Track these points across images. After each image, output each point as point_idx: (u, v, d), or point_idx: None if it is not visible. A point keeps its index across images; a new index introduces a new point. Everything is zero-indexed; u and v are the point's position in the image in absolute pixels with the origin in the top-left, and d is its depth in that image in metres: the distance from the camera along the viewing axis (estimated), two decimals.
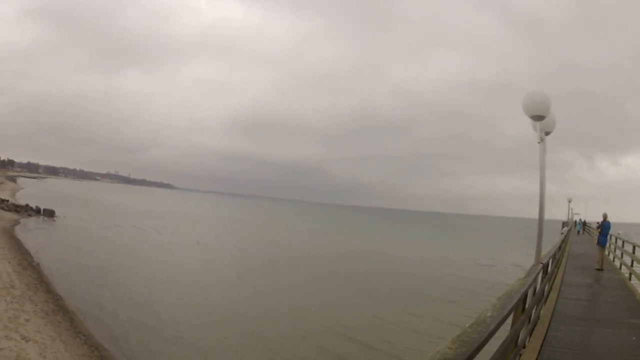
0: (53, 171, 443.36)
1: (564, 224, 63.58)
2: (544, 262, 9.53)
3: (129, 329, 17.95)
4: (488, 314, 4.39)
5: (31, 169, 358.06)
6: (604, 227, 22.47)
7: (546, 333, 9.10)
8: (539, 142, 9.15)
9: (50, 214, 57.09)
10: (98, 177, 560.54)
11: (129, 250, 36.97)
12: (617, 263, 23.54)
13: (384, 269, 39.03)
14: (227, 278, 30.06)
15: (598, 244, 22.62)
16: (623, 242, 24.24)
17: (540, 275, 9.07)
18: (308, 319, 21.46)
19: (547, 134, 9.48)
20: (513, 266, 43.09)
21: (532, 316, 8.62)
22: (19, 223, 45.95)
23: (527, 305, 7.26)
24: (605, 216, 22.67)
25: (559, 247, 18.20)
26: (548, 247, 13.71)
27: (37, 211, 57.12)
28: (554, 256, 13.99)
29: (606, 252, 23.35)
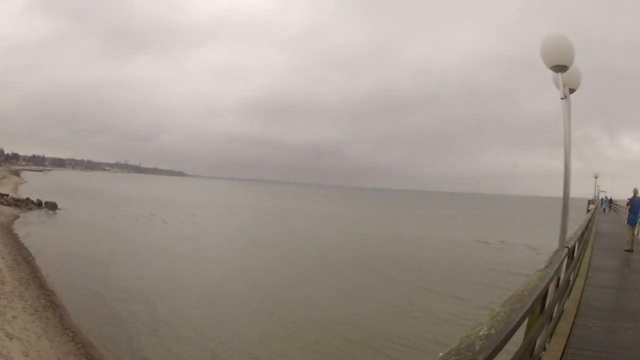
0: (59, 163, 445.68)
1: (590, 202, 62.59)
2: (569, 246, 8.50)
3: (119, 324, 17.62)
4: (482, 332, 2.98)
5: (37, 162, 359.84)
6: (635, 204, 20.73)
7: (570, 331, 7.98)
8: (562, 99, 7.99)
9: (52, 206, 57.05)
10: (107, 167, 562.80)
11: (130, 241, 36.70)
12: None
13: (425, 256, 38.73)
14: (232, 270, 29.56)
15: (628, 222, 21.13)
16: None
17: (565, 262, 8.15)
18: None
19: (572, 91, 8.36)
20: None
21: (555, 313, 7.67)
22: (19, 217, 45.89)
23: (547, 305, 6.10)
24: (635, 192, 20.84)
25: (586, 227, 17.25)
26: (573, 227, 12.97)
27: (39, 204, 57.19)
28: (580, 238, 12.91)
29: (636, 232, 21.59)
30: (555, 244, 8.26)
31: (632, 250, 19.13)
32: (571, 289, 10.46)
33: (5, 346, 13.59)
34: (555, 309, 7.62)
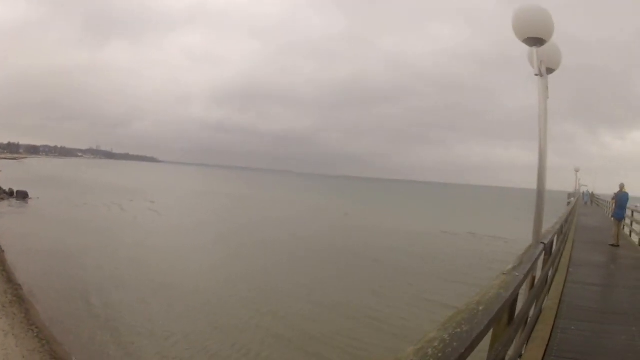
0: (34, 150, 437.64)
1: (570, 195, 63.08)
2: (545, 242, 7.60)
3: (84, 319, 17.58)
4: None
5: (12, 149, 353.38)
6: (620, 198, 20.20)
7: (550, 335, 7.06)
8: (536, 75, 7.00)
9: (23, 196, 56.07)
10: (80, 154, 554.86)
11: (100, 232, 36.21)
12: (635, 239, 21.63)
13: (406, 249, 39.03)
14: (198, 261, 29.53)
15: (613, 216, 20.63)
16: None
17: (541, 258, 7.58)
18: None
19: (551, 71, 7.43)
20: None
21: (531, 315, 6.94)
22: None
23: (517, 312, 5.15)
24: (622, 186, 20.42)
25: (566, 220, 16.55)
26: (552, 220, 12.71)
27: (10, 194, 56.19)
28: (560, 231, 12.14)
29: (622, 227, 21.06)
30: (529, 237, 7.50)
31: (618, 245, 18.63)
32: (550, 287, 9.66)
33: None
34: (532, 311, 6.99)
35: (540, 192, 7.26)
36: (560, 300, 9.11)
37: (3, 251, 27.16)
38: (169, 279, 23.68)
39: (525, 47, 7.10)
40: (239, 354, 15.18)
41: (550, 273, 9.57)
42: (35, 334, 15.66)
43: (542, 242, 7.22)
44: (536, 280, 7.50)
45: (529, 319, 6.65)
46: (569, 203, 41.96)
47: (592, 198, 64.02)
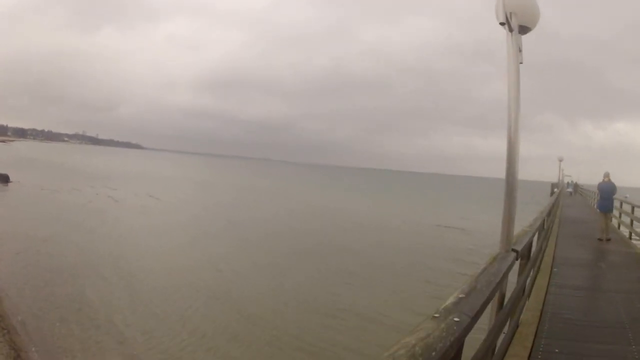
0: (22, 133, 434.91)
1: (554, 185, 62.16)
2: (519, 249, 5.76)
3: (49, 308, 16.74)
4: None
5: (0, 131, 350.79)
6: (601, 189, 18.44)
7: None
8: (502, 24, 5.68)
9: (4, 179, 54.76)
10: (66, 139, 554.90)
11: (80, 218, 35.22)
12: (625, 232, 20.12)
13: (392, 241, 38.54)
14: (178, 247, 28.93)
15: (598, 209, 19.07)
16: (633, 207, 20.54)
17: (514, 268, 5.71)
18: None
19: (525, 30, 5.86)
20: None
21: (505, 333, 5.62)
22: None
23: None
24: (606, 175, 17.98)
25: (549, 212, 15.34)
26: (532, 211, 11.63)
27: None
28: (541, 227, 10.69)
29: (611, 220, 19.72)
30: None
31: (609, 239, 17.02)
32: (529, 294, 8.26)
33: None
34: (506, 328, 5.61)
35: (511, 185, 5.65)
36: (541, 311, 7.59)
37: None
38: (142, 268, 22.90)
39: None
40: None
41: (528, 280, 8.09)
42: None
43: (513, 250, 5.60)
44: (506, 300, 5.70)
45: (497, 348, 5.14)
46: (552, 193, 41.17)
47: (576, 188, 63.78)
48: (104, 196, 50.85)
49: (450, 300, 3.17)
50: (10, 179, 55.31)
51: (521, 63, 5.80)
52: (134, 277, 21.13)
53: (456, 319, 2.74)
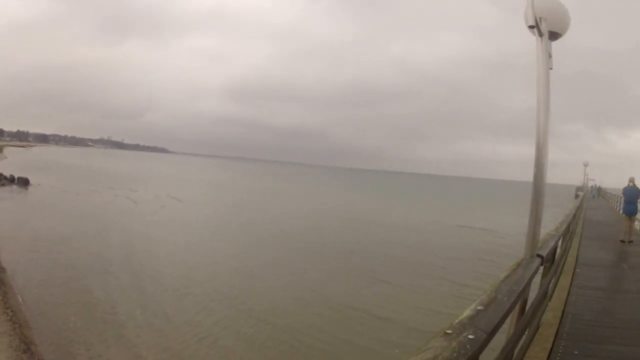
0: (43, 139, 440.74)
1: (579, 188, 63.00)
2: (544, 254, 5.90)
3: (62, 304, 17.27)
4: None
5: (21, 137, 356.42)
6: (626, 192, 18.97)
7: None
8: (531, 27, 5.63)
9: (24, 182, 56.16)
10: (90, 144, 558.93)
11: (97, 219, 36.01)
12: None
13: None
14: (198, 255, 29.37)
15: (623, 212, 19.67)
16: None
17: (537, 272, 5.56)
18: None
19: (555, 36, 5.94)
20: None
21: (525, 337, 5.50)
22: None
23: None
24: (631, 180, 18.86)
25: (574, 215, 15.48)
26: (557, 212, 11.59)
27: (11, 180, 56.34)
28: (566, 230, 10.64)
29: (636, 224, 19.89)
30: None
31: (631, 241, 17.36)
32: (551, 295, 8.18)
33: None
34: (525, 335, 5.52)
35: (538, 189, 5.67)
36: (563, 312, 7.54)
37: None
38: (160, 267, 23.37)
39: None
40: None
41: (551, 284, 8.08)
42: (9, 317, 15.43)
43: (538, 255, 5.64)
44: (528, 306, 5.64)
45: (518, 347, 4.99)
46: (577, 196, 41.15)
47: (599, 192, 64.35)
48: (123, 198, 51.92)
49: (467, 312, 3.01)
50: (30, 182, 56.72)
51: (551, 69, 5.86)
52: (148, 275, 21.63)
53: (470, 337, 2.57)
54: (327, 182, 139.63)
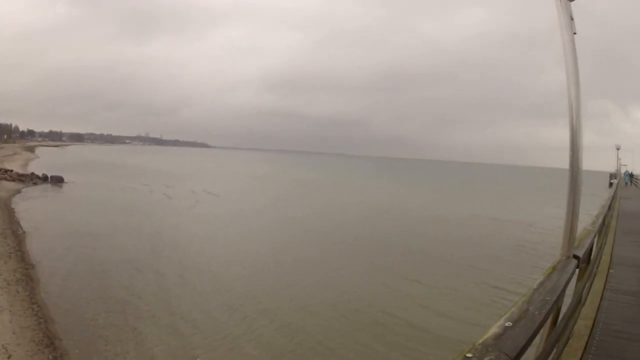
0: (78, 138, 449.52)
1: (612, 175, 59.76)
2: (580, 254, 5.49)
3: (91, 300, 17.48)
4: None
5: (54, 137, 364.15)
6: None
7: None
8: None
9: (58, 180, 57.75)
10: (128, 141, 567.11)
11: (130, 215, 36.63)
12: None
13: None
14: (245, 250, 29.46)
15: None
16: None
17: (573, 276, 5.16)
18: None
19: None
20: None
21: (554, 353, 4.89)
22: (20, 192, 46.44)
23: None
24: None
25: (609, 207, 14.61)
26: (588, 205, 10.66)
27: (44, 179, 57.84)
28: (602, 225, 9.88)
29: None
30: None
31: None
32: (584, 301, 7.45)
33: None
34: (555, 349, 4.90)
35: (575, 177, 5.18)
36: (594, 321, 6.77)
37: (24, 232, 27.84)
38: (198, 264, 23.46)
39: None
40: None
41: (585, 288, 7.40)
42: (34, 312, 15.69)
43: (575, 256, 5.21)
44: (560, 317, 5.05)
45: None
46: (611, 184, 38.92)
47: (632, 179, 60.37)
48: (158, 193, 52.75)
49: (493, 330, 2.75)
50: (65, 180, 58.05)
51: (575, 33, 5.42)
52: (176, 274, 21.70)
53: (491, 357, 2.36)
54: (367, 173, 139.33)
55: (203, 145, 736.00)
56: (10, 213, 34.17)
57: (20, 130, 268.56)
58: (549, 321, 4.52)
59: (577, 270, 5.87)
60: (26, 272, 19.95)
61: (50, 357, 12.74)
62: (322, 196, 60.11)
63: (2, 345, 12.52)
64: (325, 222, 38.14)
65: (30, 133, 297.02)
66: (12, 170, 59.53)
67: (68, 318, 15.66)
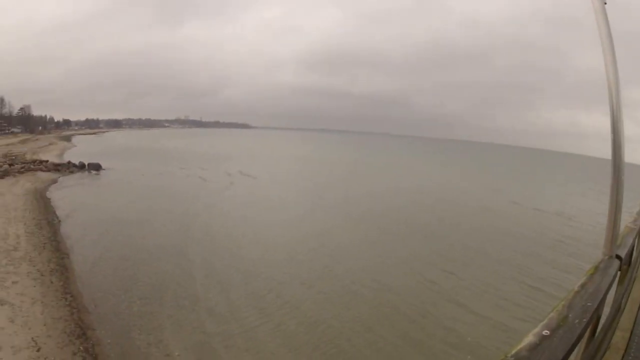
0: (115, 124, 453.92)
1: None
2: (623, 255, 4.99)
3: (127, 288, 17.92)
4: None
5: (91, 125, 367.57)
6: None
7: None
8: None
9: (95, 167, 59.01)
10: (167, 124, 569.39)
11: (165, 199, 37.32)
12: None
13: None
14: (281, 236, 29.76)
15: None
16: None
17: (615, 279, 4.68)
18: None
19: None
20: None
21: None
22: (56, 182, 47.51)
23: None
24: None
25: None
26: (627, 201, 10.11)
27: (82, 167, 59.06)
28: None
29: None
30: None
31: None
32: (624, 308, 6.49)
33: None
34: None
35: (618, 167, 4.72)
36: (631, 332, 5.85)
37: (60, 221, 28.61)
38: (239, 251, 23.95)
39: None
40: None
41: (625, 293, 6.45)
42: (67, 302, 16.06)
43: (617, 256, 4.80)
44: (599, 326, 4.51)
45: None
46: None
47: None
48: (194, 177, 53.52)
49: (529, 338, 2.57)
50: (102, 166, 59.34)
51: (605, 3, 4.76)
52: (216, 258, 22.14)
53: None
54: (411, 154, 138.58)
55: (244, 126, 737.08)
56: (46, 203, 35.04)
57: (56, 120, 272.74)
58: (588, 331, 3.96)
59: (619, 273, 5.16)
60: (61, 262, 20.46)
61: (81, 347, 13.06)
62: (366, 180, 60.17)
63: (32, 338, 12.90)
64: (371, 207, 38.25)
65: (66, 123, 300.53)
66: (47, 161, 61.09)
67: (102, 307, 16.02)
